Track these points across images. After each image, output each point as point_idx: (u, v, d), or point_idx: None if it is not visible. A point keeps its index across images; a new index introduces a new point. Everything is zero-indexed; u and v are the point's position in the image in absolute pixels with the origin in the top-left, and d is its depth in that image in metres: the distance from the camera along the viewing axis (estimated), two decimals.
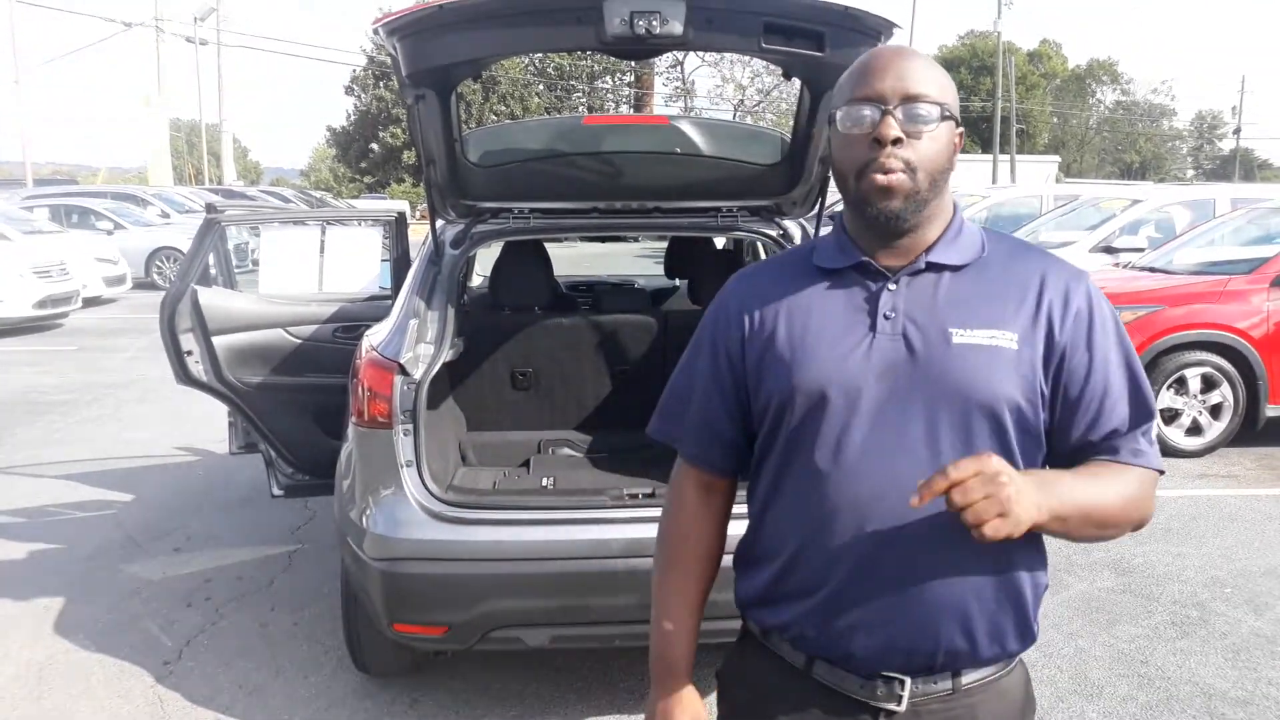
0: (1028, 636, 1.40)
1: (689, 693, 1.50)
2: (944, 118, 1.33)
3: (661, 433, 1.55)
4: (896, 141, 1.30)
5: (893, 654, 1.36)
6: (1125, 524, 1.37)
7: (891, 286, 1.37)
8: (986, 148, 40.12)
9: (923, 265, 1.38)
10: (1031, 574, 1.38)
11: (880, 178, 1.31)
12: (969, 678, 1.38)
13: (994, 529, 1.17)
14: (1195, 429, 6.76)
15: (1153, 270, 7.72)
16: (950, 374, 1.32)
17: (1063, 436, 1.38)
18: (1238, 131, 56.95)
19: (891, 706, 1.37)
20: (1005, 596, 1.36)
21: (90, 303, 14.07)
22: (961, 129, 1.39)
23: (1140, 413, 1.38)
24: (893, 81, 1.31)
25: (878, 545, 1.32)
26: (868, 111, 1.32)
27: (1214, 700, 3.48)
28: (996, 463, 1.19)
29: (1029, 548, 1.36)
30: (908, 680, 1.36)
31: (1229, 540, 5.09)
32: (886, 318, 1.36)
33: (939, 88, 1.34)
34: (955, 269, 1.38)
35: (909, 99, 1.31)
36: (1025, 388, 1.33)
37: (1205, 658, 3.79)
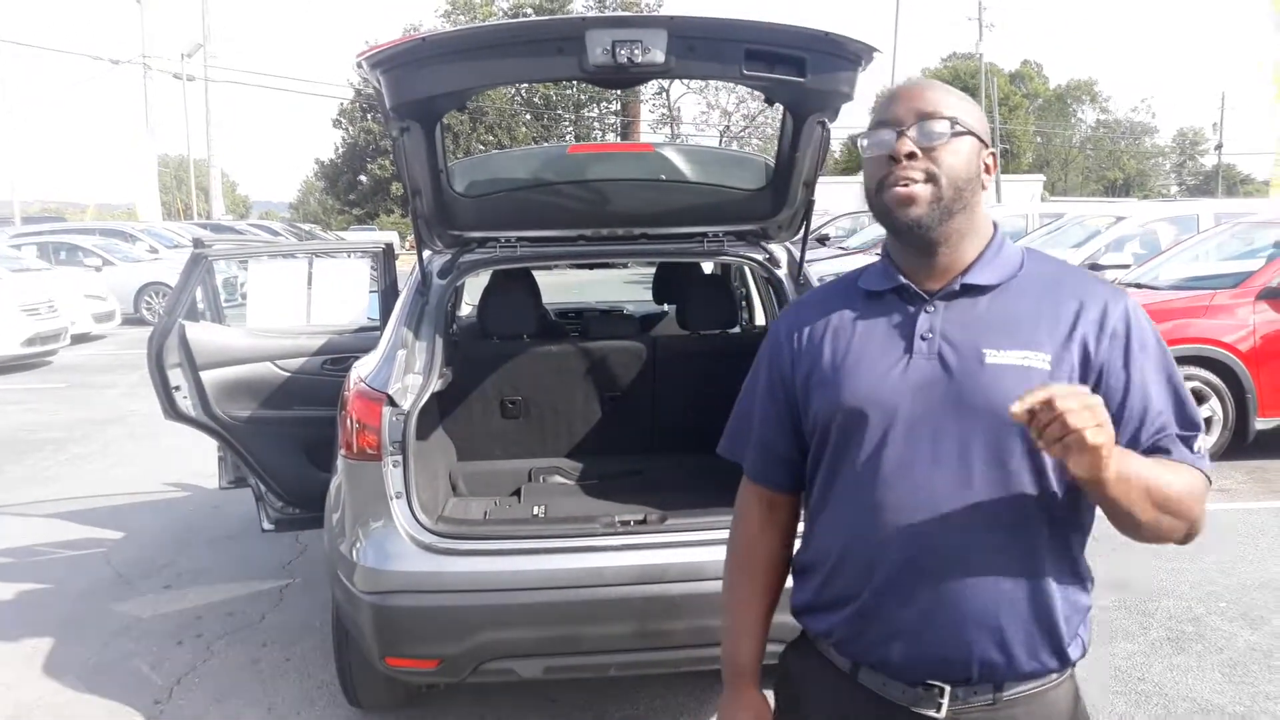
0: (1067, 653, 1.43)
1: (754, 695, 1.58)
2: (958, 132, 1.41)
3: (729, 451, 1.66)
4: (911, 156, 1.40)
5: (928, 662, 1.41)
6: (1182, 515, 1.37)
7: (929, 309, 1.44)
8: None
9: (958, 287, 1.44)
10: (1063, 588, 1.41)
11: (897, 190, 1.40)
12: (1011, 691, 1.42)
13: (1094, 437, 1.18)
14: None
15: (1138, 286, 7.75)
16: (982, 394, 1.37)
17: None
18: (1219, 147, 57.41)
19: (931, 713, 1.42)
20: (1038, 610, 1.39)
21: (79, 339, 14.02)
22: (993, 150, 1.47)
23: (1186, 424, 1.41)
24: (906, 106, 1.42)
25: (911, 555, 1.39)
26: (885, 135, 1.43)
27: (1211, 716, 3.47)
28: (1085, 388, 1.24)
29: (1061, 561, 1.41)
30: (947, 688, 1.41)
31: (1223, 554, 5.09)
32: (923, 339, 1.43)
33: (953, 107, 1.43)
34: (991, 289, 1.44)
35: (922, 119, 1.41)
36: None
37: (1202, 673, 3.78)
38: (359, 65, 2.77)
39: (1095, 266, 9.64)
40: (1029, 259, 1.48)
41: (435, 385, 3.32)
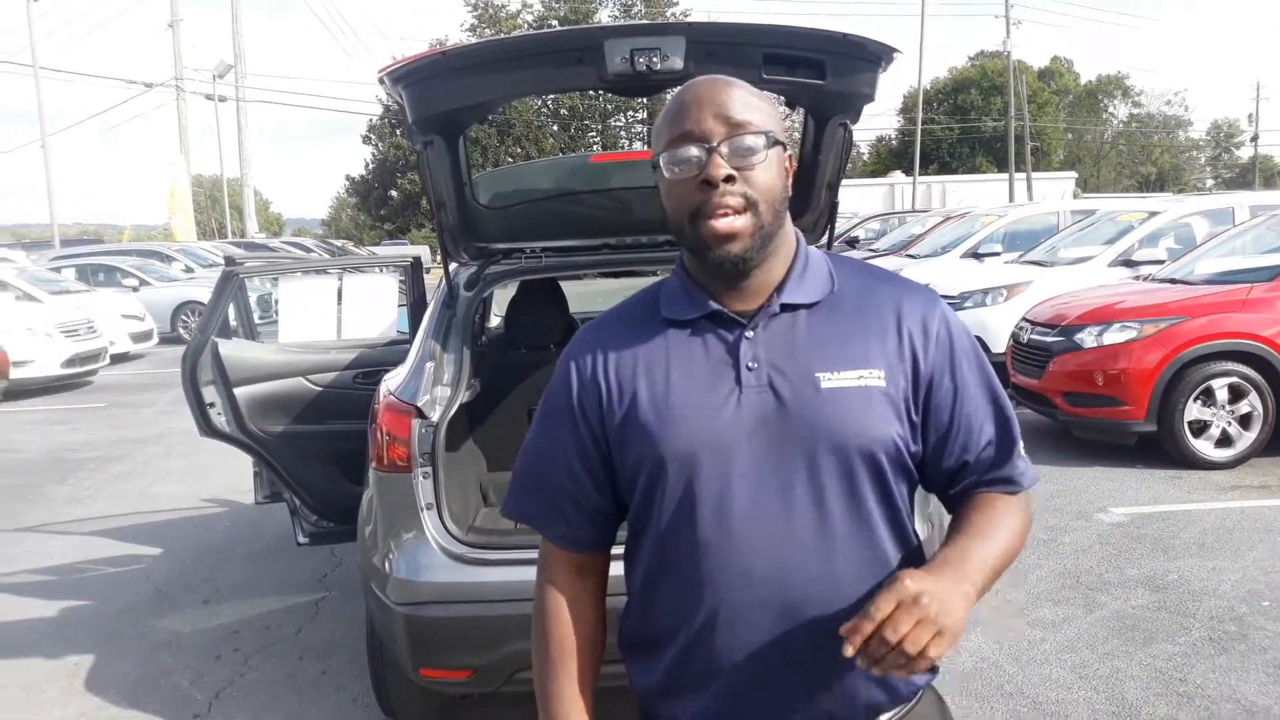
0: (932, 669, 1.35)
1: None
2: (771, 144, 1.27)
3: (520, 514, 1.44)
4: (729, 179, 1.24)
5: None
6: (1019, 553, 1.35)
7: (749, 334, 1.30)
8: (1002, 167, 40.07)
9: (776, 308, 1.31)
10: None
11: (718, 223, 1.24)
12: (884, 718, 1.34)
13: (936, 650, 1.13)
14: (1225, 440, 6.67)
15: (1173, 281, 7.66)
16: (824, 422, 1.26)
17: (935, 465, 1.35)
18: (1255, 139, 56.60)
19: None
20: None
21: (118, 359, 14.26)
22: (790, 153, 1.33)
23: (1008, 436, 1.35)
24: (712, 115, 1.25)
25: (780, 615, 1.26)
26: (693, 151, 1.25)
27: (1256, 718, 3.41)
28: (911, 584, 1.14)
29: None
30: None
31: (1265, 552, 5.00)
32: (749, 368, 1.28)
33: (761, 114, 1.27)
34: (809, 307, 1.32)
35: (732, 131, 1.25)
36: (898, 425, 1.29)
37: (1246, 674, 3.72)
38: (381, 81, 2.79)
39: (1129, 263, 9.52)
40: (838, 268, 1.37)
41: (464, 396, 3.33)
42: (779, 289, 1.32)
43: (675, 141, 1.27)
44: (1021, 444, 1.37)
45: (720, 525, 1.26)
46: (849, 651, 1.12)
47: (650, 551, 1.34)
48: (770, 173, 1.27)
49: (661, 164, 1.29)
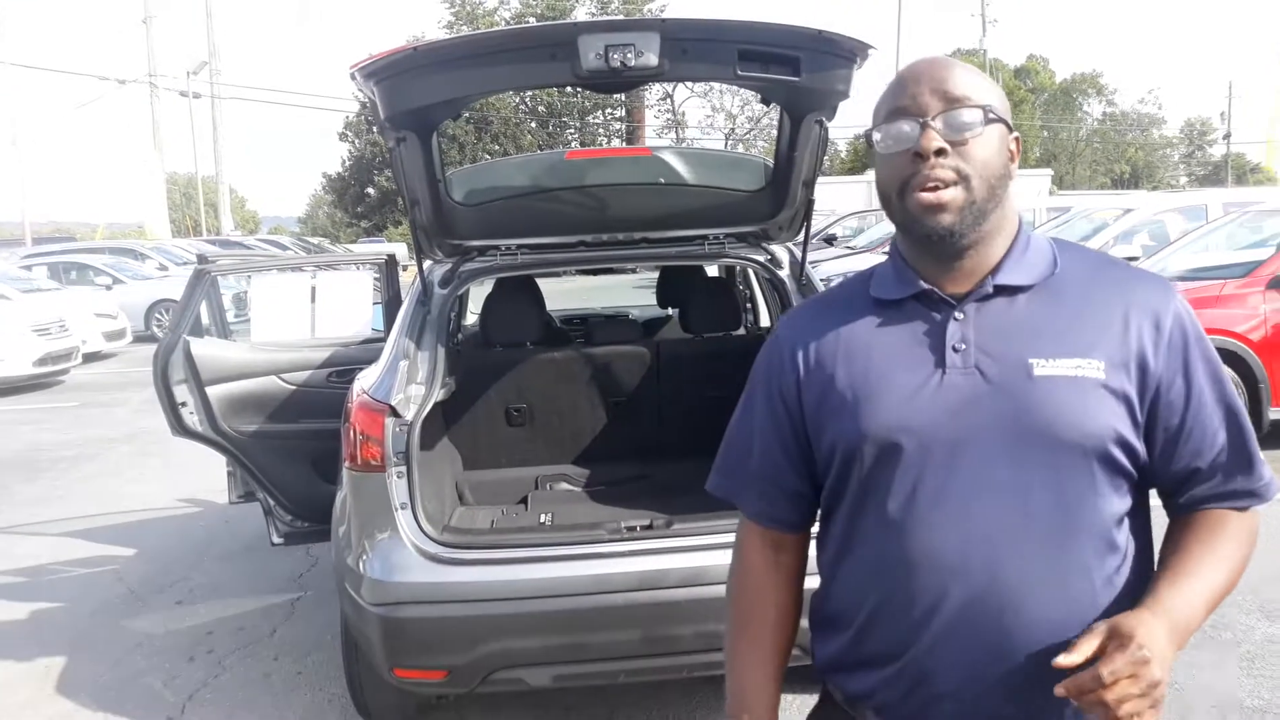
0: None
1: None
2: (990, 120, 1.24)
3: (722, 489, 1.46)
4: (940, 153, 1.21)
5: (988, 718, 1.26)
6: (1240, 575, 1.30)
7: (958, 315, 1.26)
8: None
9: (990, 289, 1.26)
10: (1123, 604, 1.25)
11: (925, 195, 1.22)
12: None
13: None
14: None
15: None
16: (1035, 410, 1.20)
17: (1163, 469, 1.28)
18: (1228, 137, 57.19)
19: None
20: None
21: (91, 358, 14.11)
22: (1016, 134, 1.29)
23: (1244, 443, 1.28)
24: (929, 90, 1.23)
25: (962, 605, 1.22)
26: (906, 127, 1.23)
27: (1230, 711, 3.43)
28: (1144, 651, 1.08)
29: (1131, 598, 1.24)
30: None
31: None
32: (956, 350, 1.25)
33: (981, 90, 1.25)
34: (1026, 289, 1.27)
35: (949, 105, 1.23)
36: (1116, 423, 1.22)
37: (1221, 668, 3.74)
38: (353, 76, 2.77)
39: None
40: (1061, 252, 1.31)
41: (438, 395, 3.31)
42: (995, 271, 1.28)
43: (890, 116, 1.26)
44: (1259, 451, 1.30)
45: (910, 508, 1.24)
46: (1060, 692, 1.10)
47: (840, 529, 1.34)
48: (988, 148, 1.24)
49: (876, 140, 1.27)
